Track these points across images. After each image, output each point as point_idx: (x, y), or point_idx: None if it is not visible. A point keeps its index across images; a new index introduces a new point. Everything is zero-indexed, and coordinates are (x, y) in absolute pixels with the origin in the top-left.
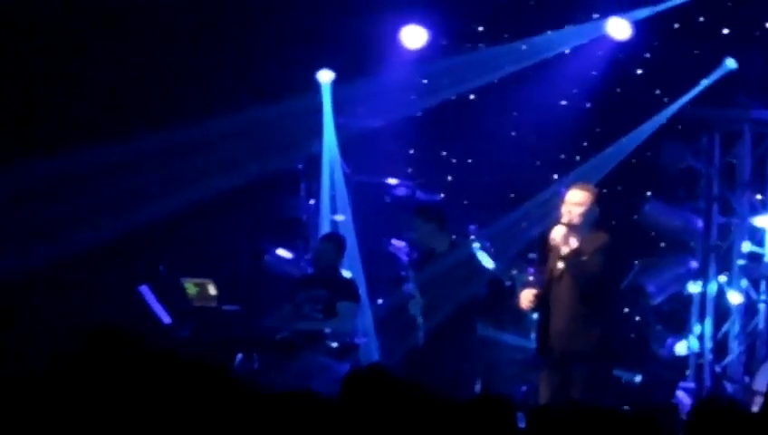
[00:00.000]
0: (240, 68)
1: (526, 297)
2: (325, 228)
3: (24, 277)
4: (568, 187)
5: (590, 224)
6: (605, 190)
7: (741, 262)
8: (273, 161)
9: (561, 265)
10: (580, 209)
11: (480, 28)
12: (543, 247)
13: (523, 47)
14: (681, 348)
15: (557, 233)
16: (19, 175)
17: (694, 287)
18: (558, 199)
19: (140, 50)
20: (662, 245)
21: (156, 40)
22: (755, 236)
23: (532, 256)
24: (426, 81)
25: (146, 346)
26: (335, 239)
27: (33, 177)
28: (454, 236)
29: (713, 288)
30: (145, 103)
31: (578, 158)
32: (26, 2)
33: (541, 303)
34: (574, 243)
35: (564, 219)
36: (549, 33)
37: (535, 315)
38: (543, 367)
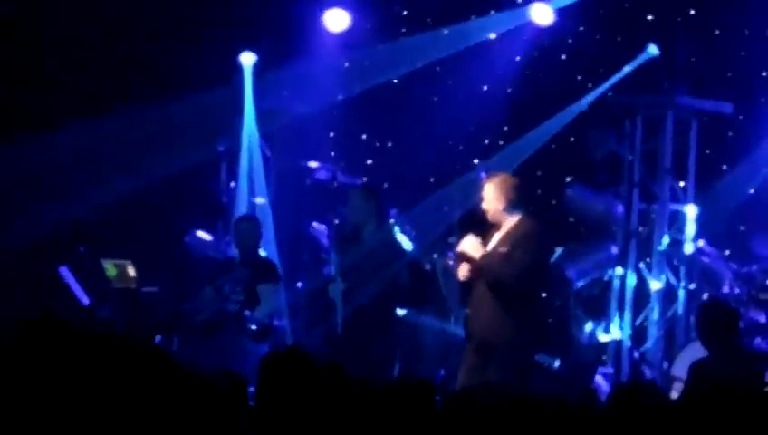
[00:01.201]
0: (162, 53)
1: (464, 268)
2: (244, 211)
3: None
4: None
5: (513, 208)
6: (528, 174)
7: (661, 248)
8: (195, 145)
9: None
10: (491, 206)
11: (404, 12)
12: (461, 235)
13: (446, 33)
14: (604, 335)
15: (468, 245)
16: None
17: (614, 273)
18: (478, 184)
19: (59, 38)
20: (582, 230)
21: (74, 28)
22: (675, 222)
23: (452, 240)
24: (348, 64)
25: (72, 329)
26: (253, 220)
27: None
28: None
29: (632, 274)
30: (67, 93)
31: (500, 143)
32: None
33: (464, 288)
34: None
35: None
36: (473, 19)
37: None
38: (468, 348)
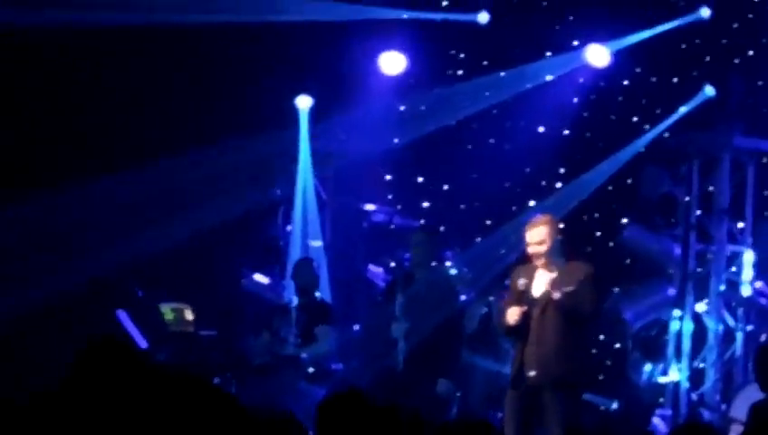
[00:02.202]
0: (219, 97)
1: (514, 313)
2: (299, 253)
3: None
4: (526, 225)
5: (557, 253)
6: (584, 216)
7: (719, 289)
8: (252, 189)
9: (539, 296)
10: (545, 247)
11: (460, 55)
12: (514, 282)
13: (503, 76)
14: (662, 377)
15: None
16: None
17: (671, 314)
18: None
19: (118, 84)
20: (639, 272)
21: (132, 72)
22: (732, 263)
23: (508, 282)
24: (404, 107)
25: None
26: (310, 263)
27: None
28: (434, 263)
29: (690, 316)
30: (126, 138)
31: (557, 184)
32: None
33: (517, 331)
34: (549, 281)
35: (537, 260)
36: (530, 64)
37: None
38: (514, 395)
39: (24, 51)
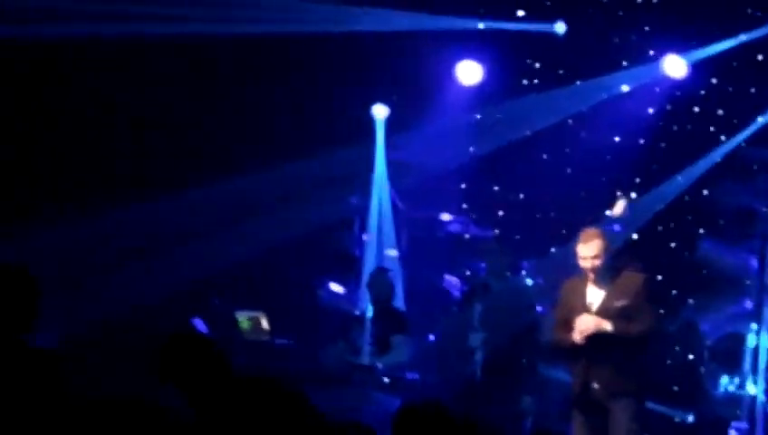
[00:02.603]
0: (298, 109)
1: (586, 322)
2: (374, 263)
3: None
4: (577, 241)
5: (608, 266)
6: (659, 227)
7: None
8: (330, 199)
9: (597, 309)
10: (600, 260)
11: (537, 65)
12: (567, 297)
13: (579, 87)
14: (739, 390)
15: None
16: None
17: (748, 327)
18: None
19: (197, 95)
20: (716, 284)
21: (208, 90)
22: None
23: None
24: (480, 117)
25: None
26: (386, 272)
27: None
28: (508, 272)
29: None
30: (205, 151)
31: (633, 195)
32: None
33: (573, 348)
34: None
35: (592, 276)
36: (606, 75)
37: None
38: (580, 413)
39: (112, 63)
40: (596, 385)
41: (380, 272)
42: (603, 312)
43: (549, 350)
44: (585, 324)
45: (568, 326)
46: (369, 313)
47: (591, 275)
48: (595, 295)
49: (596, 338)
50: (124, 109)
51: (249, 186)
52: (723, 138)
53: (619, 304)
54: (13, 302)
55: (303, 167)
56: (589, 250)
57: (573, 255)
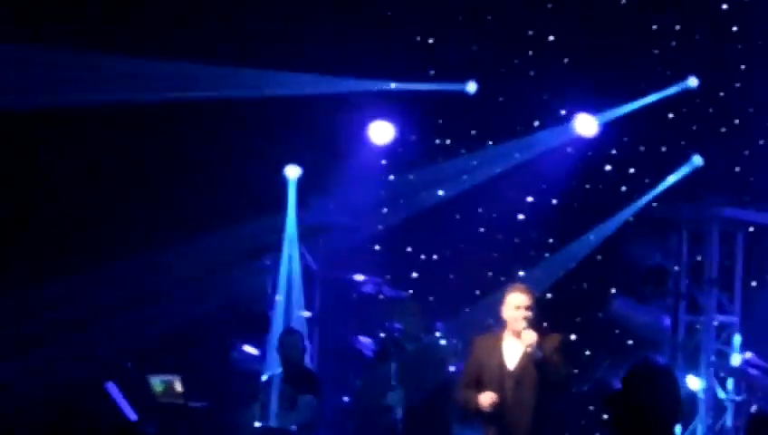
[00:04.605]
0: (209, 173)
1: (487, 399)
2: (282, 324)
3: None
4: (509, 291)
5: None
6: (572, 286)
7: (712, 359)
8: (242, 263)
9: (514, 368)
10: (530, 312)
11: (449, 125)
12: (480, 355)
13: (492, 149)
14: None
15: (531, 338)
16: None
17: None
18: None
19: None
20: (628, 342)
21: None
22: (722, 334)
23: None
24: (392, 177)
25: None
26: (296, 334)
27: None
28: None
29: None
30: (121, 227)
31: (545, 254)
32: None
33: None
34: (526, 346)
35: (520, 325)
36: (519, 138)
37: None
38: None
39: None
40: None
41: (289, 333)
42: (521, 368)
43: (459, 408)
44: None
45: (478, 385)
46: (280, 374)
47: (521, 326)
48: (512, 352)
49: (507, 400)
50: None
51: (161, 258)
52: (634, 196)
53: (537, 356)
54: None
55: (217, 237)
56: (523, 300)
57: (487, 313)
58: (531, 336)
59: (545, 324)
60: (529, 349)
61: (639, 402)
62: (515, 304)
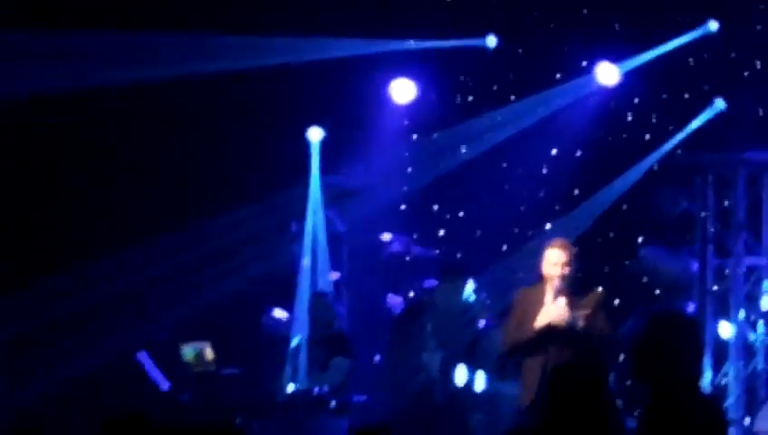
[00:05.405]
0: (234, 145)
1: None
2: (309, 287)
3: None
4: (547, 246)
5: (570, 281)
6: (598, 238)
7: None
8: (271, 231)
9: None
10: (569, 269)
11: (471, 80)
12: (524, 306)
13: (515, 105)
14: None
15: (560, 308)
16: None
17: None
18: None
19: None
20: (657, 290)
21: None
22: (751, 277)
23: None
24: (416, 136)
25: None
26: (325, 296)
27: None
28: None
29: (709, 331)
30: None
31: (571, 206)
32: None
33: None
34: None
35: (558, 282)
36: (541, 92)
37: None
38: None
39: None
40: None
41: (318, 296)
42: (563, 320)
43: (504, 355)
44: (549, 315)
45: (523, 332)
46: (311, 337)
47: (556, 283)
48: (556, 306)
49: (557, 332)
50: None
51: (193, 235)
52: (658, 144)
53: (579, 314)
54: None
55: (246, 207)
56: (559, 256)
57: (515, 268)
58: (559, 307)
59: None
60: (564, 319)
61: (661, 351)
62: (553, 261)
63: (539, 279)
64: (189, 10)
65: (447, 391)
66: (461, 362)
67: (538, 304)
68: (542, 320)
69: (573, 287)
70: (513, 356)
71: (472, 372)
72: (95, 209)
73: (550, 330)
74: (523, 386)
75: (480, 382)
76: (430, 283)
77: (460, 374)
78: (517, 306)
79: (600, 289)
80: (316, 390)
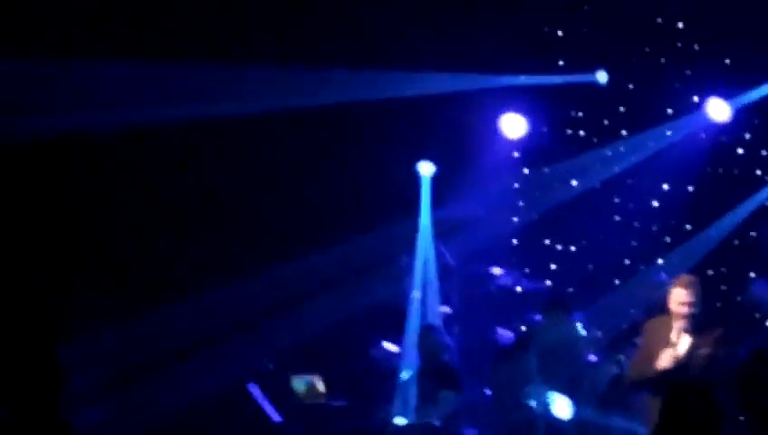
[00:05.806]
0: (345, 177)
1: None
2: (423, 320)
3: None
4: (674, 283)
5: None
6: (709, 271)
7: None
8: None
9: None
10: (696, 308)
11: (581, 114)
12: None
13: (627, 139)
14: None
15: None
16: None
17: None
18: (662, 287)
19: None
20: None
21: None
22: None
23: (637, 340)
24: (527, 170)
25: None
26: (434, 329)
27: None
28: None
29: None
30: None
31: (683, 241)
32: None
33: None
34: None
35: (683, 323)
36: (652, 127)
37: None
38: None
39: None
40: None
41: (427, 329)
42: (690, 356)
43: (629, 387)
44: (674, 355)
45: (650, 365)
46: (419, 370)
47: (682, 323)
48: (681, 340)
49: (680, 371)
50: (167, 197)
51: (303, 266)
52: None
53: (703, 353)
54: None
55: (358, 242)
56: (689, 296)
57: (627, 302)
58: (683, 346)
59: None
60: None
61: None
62: (680, 301)
63: (664, 311)
64: (303, 44)
65: (551, 425)
66: (565, 395)
67: (664, 341)
68: (667, 359)
69: (696, 325)
70: (638, 390)
71: (576, 406)
72: (208, 241)
73: (674, 370)
74: (645, 421)
75: (583, 416)
76: (539, 316)
77: (564, 408)
78: (645, 339)
79: (718, 329)
80: (435, 423)
